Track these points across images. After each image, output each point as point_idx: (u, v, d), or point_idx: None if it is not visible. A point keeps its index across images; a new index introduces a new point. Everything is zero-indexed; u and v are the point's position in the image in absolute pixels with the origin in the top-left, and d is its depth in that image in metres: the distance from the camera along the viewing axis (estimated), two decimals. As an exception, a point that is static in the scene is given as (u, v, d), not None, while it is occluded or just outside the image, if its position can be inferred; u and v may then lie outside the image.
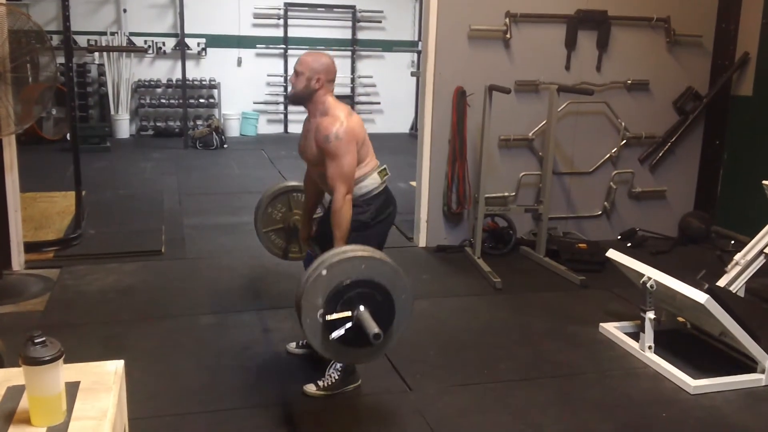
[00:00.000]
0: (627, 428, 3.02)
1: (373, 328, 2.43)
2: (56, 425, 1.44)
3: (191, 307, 4.14)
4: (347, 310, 2.51)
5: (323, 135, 2.97)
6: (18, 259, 4.62)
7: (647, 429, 3.02)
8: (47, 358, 1.42)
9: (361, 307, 2.51)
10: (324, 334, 2.53)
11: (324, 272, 2.50)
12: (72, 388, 1.56)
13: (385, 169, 3.18)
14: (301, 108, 3.12)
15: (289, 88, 3.14)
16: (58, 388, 1.45)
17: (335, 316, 2.50)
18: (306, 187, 3.46)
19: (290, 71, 10.56)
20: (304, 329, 2.56)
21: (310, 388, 3.16)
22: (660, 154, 5.79)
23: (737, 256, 3.94)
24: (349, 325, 2.51)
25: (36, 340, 1.44)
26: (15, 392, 1.56)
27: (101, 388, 1.60)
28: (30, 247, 4.81)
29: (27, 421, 1.45)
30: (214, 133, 9.62)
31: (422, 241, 5.46)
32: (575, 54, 5.43)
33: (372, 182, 3.12)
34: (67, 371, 1.53)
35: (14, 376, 1.61)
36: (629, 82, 5.58)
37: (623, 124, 5.64)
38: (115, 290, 4.36)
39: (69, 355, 1.51)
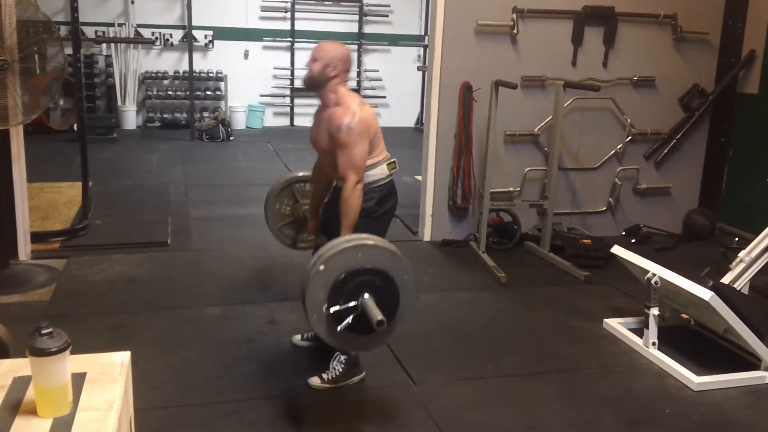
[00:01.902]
0: (630, 424, 3.02)
1: (377, 315, 2.43)
2: (62, 416, 1.45)
3: (197, 299, 4.16)
4: (352, 300, 2.51)
5: (335, 125, 2.98)
6: (24, 249, 4.64)
7: (650, 425, 3.03)
8: (54, 350, 1.43)
9: (366, 295, 2.51)
10: (331, 327, 2.54)
11: (321, 267, 2.51)
12: (78, 379, 1.57)
13: (394, 162, 3.19)
14: (308, 101, 3.15)
15: (305, 73, 3.14)
16: (65, 379, 1.46)
17: (339, 308, 2.50)
18: (314, 178, 3.47)
19: (297, 64, 10.66)
20: (312, 325, 2.58)
21: (315, 380, 3.18)
22: (665, 151, 5.77)
23: (741, 254, 3.93)
24: (354, 314, 2.51)
25: (43, 331, 1.44)
26: (21, 383, 1.56)
27: (107, 379, 1.61)
28: (36, 237, 4.83)
29: (33, 412, 1.46)
30: (220, 126, 9.63)
31: (427, 235, 5.46)
32: (582, 50, 5.42)
33: (379, 172, 3.13)
34: (74, 362, 1.54)
35: (21, 366, 1.62)
36: (635, 78, 5.57)
37: (629, 120, 5.63)
38: (121, 281, 4.38)
39: (75, 345, 1.52)
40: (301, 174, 3.80)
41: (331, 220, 3.19)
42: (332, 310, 2.50)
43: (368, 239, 2.63)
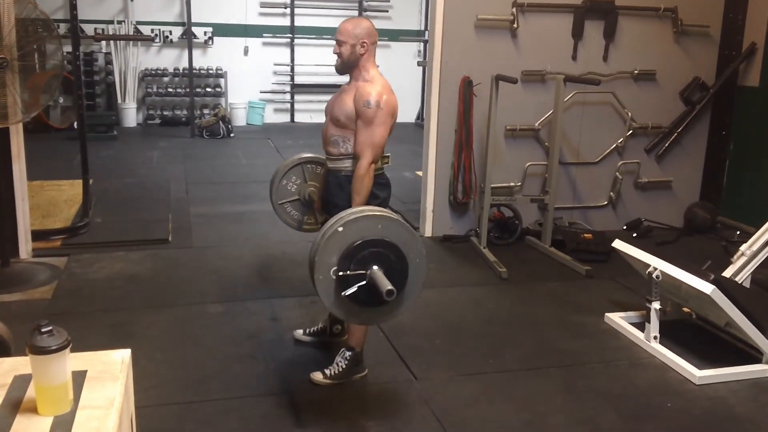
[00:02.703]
0: (632, 418, 3.02)
1: (386, 285, 2.41)
2: (63, 414, 1.45)
3: (198, 296, 4.16)
4: (361, 269, 2.49)
5: (365, 99, 2.94)
6: (25, 247, 4.64)
7: (652, 419, 3.03)
8: (54, 348, 1.42)
9: (375, 267, 2.50)
10: (336, 291, 2.52)
11: (340, 229, 2.49)
12: (79, 377, 1.57)
13: (388, 156, 3.17)
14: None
15: (336, 60, 3.09)
16: (65, 377, 1.46)
17: (348, 272, 2.48)
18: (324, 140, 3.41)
19: (297, 60, 10.63)
20: (315, 286, 2.54)
21: (317, 376, 3.17)
22: (666, 145, 5.77)
23: (743, 247, 3.93)
24: (362, 283, 2.49)
25: (43, 329, 1.44)
26: (22, 381, 1.56)
27: (108, 377, 1.61)
28: (37, 235, 4.83)
29: (34, 410, 1.46)
30: (220, 122, 9.62)
31: (428, 231, 5.46)
32: (582, 44, 5.41)
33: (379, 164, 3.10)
34: (74, 360, 1.54)
35: (21, 364, 1.61)
36: (636, 72, 5.56)
37: (630, 114, 5.62)
38: (122, 278, 4.38)
39: (76, 343, 1.52)
40: (312, 155, 3.74)
41: (329, 200, 3.17)
42: (341, 274, 2.48)
43: (392, 214, 2.62)
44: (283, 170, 3.71)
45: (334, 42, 3.08)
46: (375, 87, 2.98)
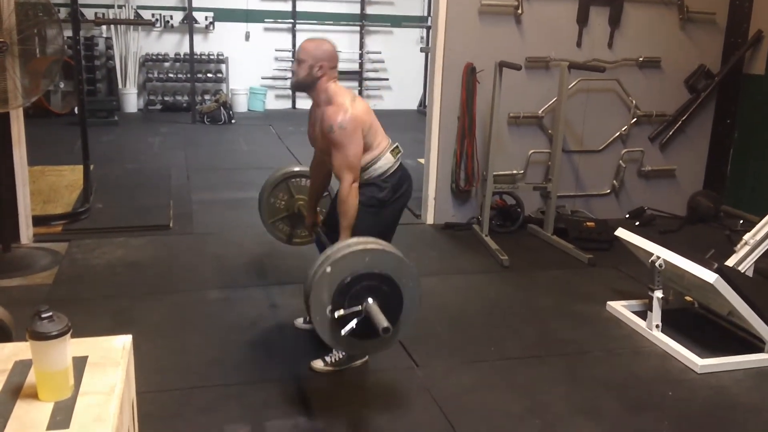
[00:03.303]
0: (633, 407, 3.02)
1: (382, 322, 2.41)
2: (64, 400, 1.45)
3: (199, 282, 4.15)
4: (356, 304, 2.50)
5: (327, 125, 2.97)
6: (26, 232, 4.63)
7: (654, 408, 3.02)
8: (54, 333, 1.42)
9: (370, 300, 2.51)
10: (335, 330, 2.53)
11: (328, 269, 2.50)
12: (80, 363, 1.57)
13: (397, 147, 3.18)
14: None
15: (292, 76, 3.12)
16: (65, 363, 1.46)
17: (343, 312, 2.49)
18: (312, 173, 3.45)
19: (298, 46, 10.56)
20: (314, 326, 2.57)
21: (318, 363, 3.17)
22: (670, 133, 5.74)
23: (746, 236, 3.91)
24: (358, 318, 2.51)
25: (43, 315, 1.44)
26: (22, 367, 1.56)
27: (109, 363, 1.61)
28: (38, 220, 4.82)
29: (34, 395, 1.45)
30: (221, 108, 9.59)
31: (430, 219, 5.45)
32: (587, 30, 5.36)
33: (386, 162, 3.11)
34: (75, 346, 1.53)
35: (22, 350, 1.61)
36: (641, 59, 5.52)
37: (634, 101, 5.59)
38: (123, 264, 4.37)
39: (77, 329, 1.51)
40: (297, 169, 3.75)
41: (335, 215, 3.17)
42: (337, 314, 2.49)
43: (377, 243, 2.62)
44: (269, 188, 3.72)
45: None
46: (335, 108, 2.98)
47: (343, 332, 2.50)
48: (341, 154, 2.96)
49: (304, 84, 3.05)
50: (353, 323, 2.49)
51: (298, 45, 10.96)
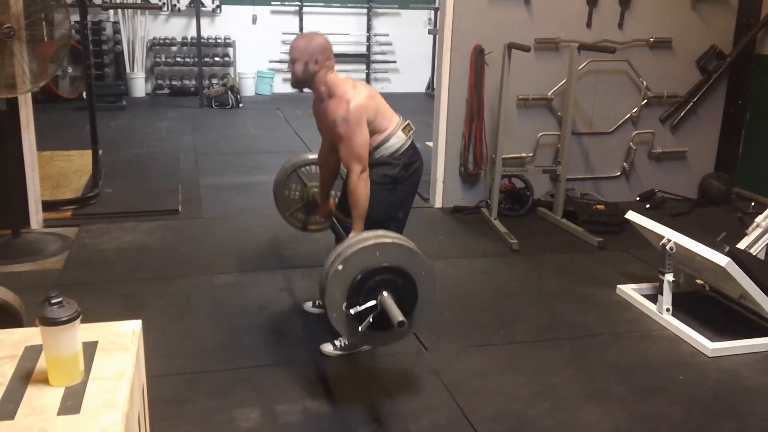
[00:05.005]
0: (643, 390, 3.01)
1: (397, 316, 2.43)
2: (74, 385, 1.45)
3: (208, 267, 4.16)
4: (371, 299, 2.52)
5: (331, 119, 2.98)
6: (36, 217, 4.65)
7: (664, 391, 3.01)
8: (64, 319, 1.42)
9: (384, 293, 2.52)
10: (352, 325, 2.55)
11: (340, 267, 2.52)
12: (90, 348, 1.57)
13: (409, 124, 3.19)
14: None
15: (289, 76, 3.13)
16: (76, 348, 1.46)
17: (359, 308, 2.51)
18: (321, 163, 3.45)
19: (306, 29, 10.50)
20: (332, 324, 2.59)
21: (327, 347, 3.18)
22: (681, 114, 5.68)
23: (758, 218, 3.88)
24: (374, 313, 2.52)
25: (53, 301, 1.43)
26: (33, 352, 1.56)
27: (119, 348, 1.61)
28: (48, 205, 4.84)
29: (45, 380, 1.46)
30: (229, 92, 9.56)
31: (438, 202, 5.43)
32: (597, 11, 5.30)
33: (397, 140, 3.13)
34: (85, 331, 1.54)
35: (32, 335, 1.62)
36: (652, 40, 5.46)
37: (645, 83, 5.53)
38: (133, 249, 4.38)
39: (87, 313, 1.51)
40: (305, 157, 3.77)
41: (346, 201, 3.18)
42: (352, 311, 2.51)
43: (385, 236, 2.62)
44: (282, 181, 3.74)
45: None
46: (337, 101, 2.99)
47: (360, 328, 2.52)
48: (347, 145, 2.97)
49: (302, 81, 3.06)
50: (370, 319, 2.51)
51: (305, 28, 10.91)
